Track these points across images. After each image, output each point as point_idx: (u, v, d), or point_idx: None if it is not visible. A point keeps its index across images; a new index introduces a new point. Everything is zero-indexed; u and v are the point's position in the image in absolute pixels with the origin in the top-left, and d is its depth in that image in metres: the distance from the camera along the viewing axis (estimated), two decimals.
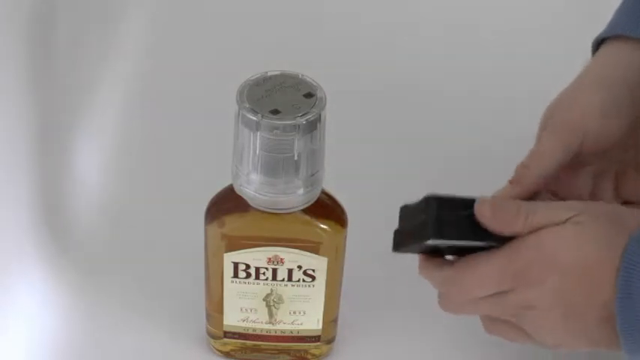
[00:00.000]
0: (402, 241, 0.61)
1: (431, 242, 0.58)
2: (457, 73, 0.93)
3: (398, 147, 0.86)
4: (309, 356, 0.71)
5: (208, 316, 0.70)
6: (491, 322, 0.62)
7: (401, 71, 0.93)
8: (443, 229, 0.57)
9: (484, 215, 0.57)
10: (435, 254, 0.61)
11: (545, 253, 0.57)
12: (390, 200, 0.82)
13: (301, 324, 0.68)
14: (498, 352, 0.71)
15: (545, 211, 0.58)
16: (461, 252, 0.60)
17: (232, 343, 0.71)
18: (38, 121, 0.76)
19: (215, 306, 0.69)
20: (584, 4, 0.96)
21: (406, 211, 0.61)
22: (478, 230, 0.58)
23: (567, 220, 0.57)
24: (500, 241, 0.58)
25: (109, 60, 0.89)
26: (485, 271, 0.58)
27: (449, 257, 0.61)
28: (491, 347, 0.70)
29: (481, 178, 0.84)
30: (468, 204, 0.58)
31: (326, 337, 0.70)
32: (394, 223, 0.80)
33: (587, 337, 0.58)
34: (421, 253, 0.62)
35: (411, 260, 0.77)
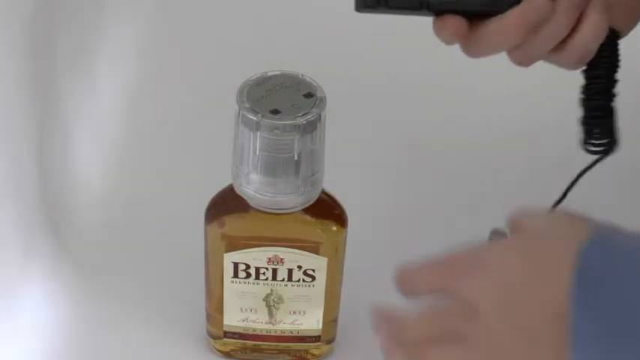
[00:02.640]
0: None
1: None
2: (458, 72, 0.93)
3: (398, 147, 0.86)
4: (309, 356, 0.71)
5: (208, 316, 0.70)
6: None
7: (401, 71, 0.93)
8: None
9: None
10: None
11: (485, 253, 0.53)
12: (390, 200, 0.82)
13: (301, 324, 0.68)
14: None
15: None
16: None
17: (232, 343, 0.71)
18: (38, 120, 0.76)
19: (215, 306, 0.69)
20: None
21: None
22: None
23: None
24: None
25: (109, 60, 0.89)
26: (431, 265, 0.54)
27: None
28: None
29: (482, 178, 0.85)
30: None
31: (326, 337, 0.70)
32: (394, 223, 0.80)
33: (530, 350, 0.51)
34: None
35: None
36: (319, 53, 0.91)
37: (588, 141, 0.63)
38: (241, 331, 0.69)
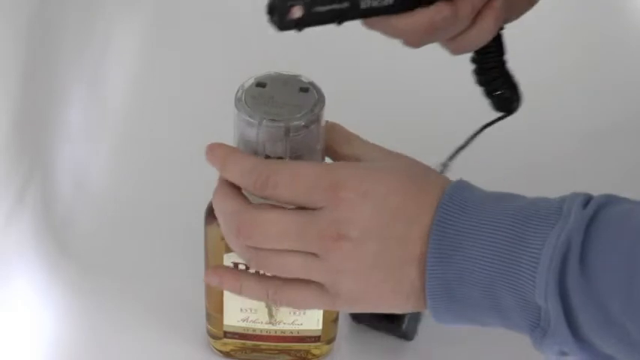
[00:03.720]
0: None
1: None
2: (458, 71, 0.93)
3: (398, 147, 0.86)
4: (309, 356, 0.71)
5: (208, 316, 0.70)
6: (278, 256, 0.56)
7: (401, 71, 0.93)
8: None
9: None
10: None
11: (367, 171, 0.56)
12: None
13: (301, 324, 0.68)
14: (501, 350, 0.71)
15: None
16: None
17: (232, 343, 0.71)
18: (38, 121, 0.76)
19: (215, 306, 0.69)
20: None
21: None
22: None
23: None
24: None
25: (109, 59, 0.89)
26: (300, 171, 0.56)
27: None
28: (494, 346, 0.70)
29: (482, 178, 0.84)
30: None
31: (326, 337, 0.70)
32: None
33: (392, 287, 0.55)
34: None
35: None
36: (319, 53, 0.91)
37: (501, 107, 0.70)
38: (241, 331, 0.69)
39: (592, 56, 0.94)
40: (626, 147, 0.87)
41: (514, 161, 0.86)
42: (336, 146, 0.60)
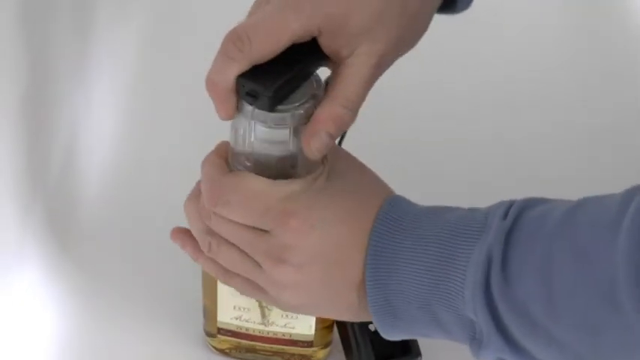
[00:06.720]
0: None
1: None
2: (457, 71, 0.93)
3: (398, 146, 0.86)
4: None
5: (204, 311, 0.69)
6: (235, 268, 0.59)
7: (402, 70, 0.92)
8: None
9: None
10: None
11: (316, 200, 0.57)
12: None
13: (293, 327, 0.67)
14: None
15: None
16: None
17: (228, 341, 0.70)
18: (40, 117, 0.76)
19: (211, 303, 0.68)
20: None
21: None
22: None
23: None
24: None
25: (110, 57, 0.89)
26: (252, 194, 0.57)
27: None
28: None
29: (481, 177, 0.84)
30: None
31: (321, 343, 0.69)
32: None
33: (332, 306, 0.58)
34: None
35: None
36: None
37: None
38: (234, 329, 0.68)
39: (592, 56, 0.93)
40: (626, 147, 0.87)
41: (513, 160, 0.85)
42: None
